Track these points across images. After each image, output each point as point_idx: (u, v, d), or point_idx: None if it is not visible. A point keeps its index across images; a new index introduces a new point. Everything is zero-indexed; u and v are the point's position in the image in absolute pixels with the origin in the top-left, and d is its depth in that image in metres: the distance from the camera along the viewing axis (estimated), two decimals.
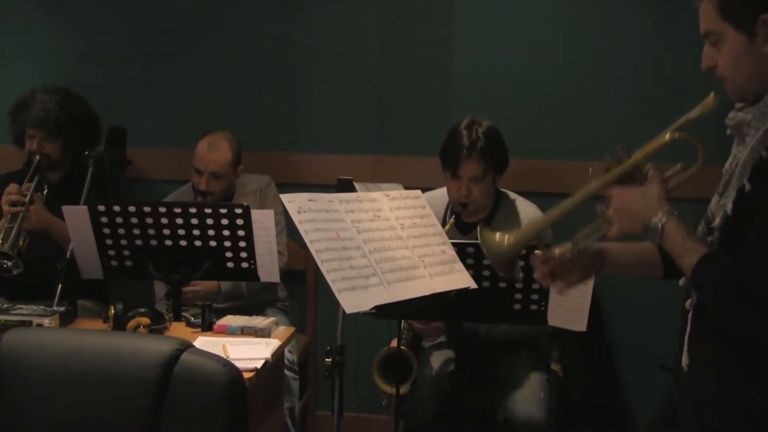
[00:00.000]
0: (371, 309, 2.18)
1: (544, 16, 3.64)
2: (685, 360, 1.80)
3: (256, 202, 3.47)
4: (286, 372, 3.20)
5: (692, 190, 1.87)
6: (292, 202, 2.18)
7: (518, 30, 3.66)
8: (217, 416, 1.66)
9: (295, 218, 2.16)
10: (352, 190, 2.54)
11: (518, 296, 2.68)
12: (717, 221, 1.73)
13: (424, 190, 2.62)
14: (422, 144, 3.67)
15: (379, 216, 2.37)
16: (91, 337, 1.82)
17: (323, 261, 2.12)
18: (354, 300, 2.12)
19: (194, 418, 1.66)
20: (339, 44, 3.79)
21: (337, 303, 2.12)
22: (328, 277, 2.10)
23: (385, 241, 2.31)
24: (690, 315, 1.81)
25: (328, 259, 2.14)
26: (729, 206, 1.69)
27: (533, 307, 2.68)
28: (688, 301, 1.81)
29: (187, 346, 1.72)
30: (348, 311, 2.09)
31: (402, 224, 2.41)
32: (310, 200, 2.22)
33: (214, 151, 3.47)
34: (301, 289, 3.81)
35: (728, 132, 1.78)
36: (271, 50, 3.83)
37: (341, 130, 3.81)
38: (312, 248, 2.12)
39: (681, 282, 1.80)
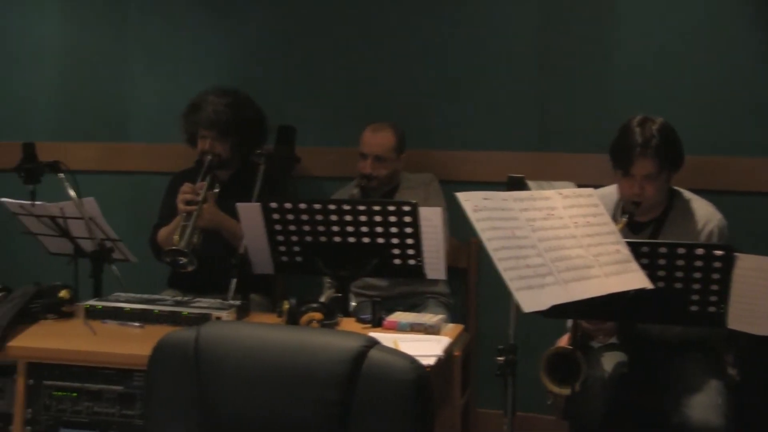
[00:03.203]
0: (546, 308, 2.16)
1: (709, 9, 3.50)
2: None
3: (420, 196, 3.49)
4: None
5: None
6: (468, 200, 2.17)
7: (684, 23, 3.54)
8: (405, 413, 1.67)
9: (472, 216, 2.15)
10: (524, 188, 2.50)
11: (695, 297, 2.58)
12: None
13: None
14: (584, 141, 3.60)
15: (552, 214, 2.33)
16: (281, 331, 1.87)
17: (500, 260, 2.11)
18: (531, 299, 2.10)
19: (383, 414, 1.67)
20: (501, 41, 3.77)
21: (502, 301, 2.11)
22: (505, 276, 2.08)
23: (560, 239, 2.28)
24: None
25: (505, 257, 2.12)
26: None
27: (711, 308, 2.58)
28: None
29: (374, 342, 1.74)
30: (525, 310, 2.07)
31: (575, 223, 2.37)
32: (485, 198, 2.21)
33: (378, 134, 3.58)
34: (459, 285, 3.81)
35: None
36: (434, 48, 3.85)
37: (504, 128, 3.79)
38: (489, 247, 2.11)
39: None
